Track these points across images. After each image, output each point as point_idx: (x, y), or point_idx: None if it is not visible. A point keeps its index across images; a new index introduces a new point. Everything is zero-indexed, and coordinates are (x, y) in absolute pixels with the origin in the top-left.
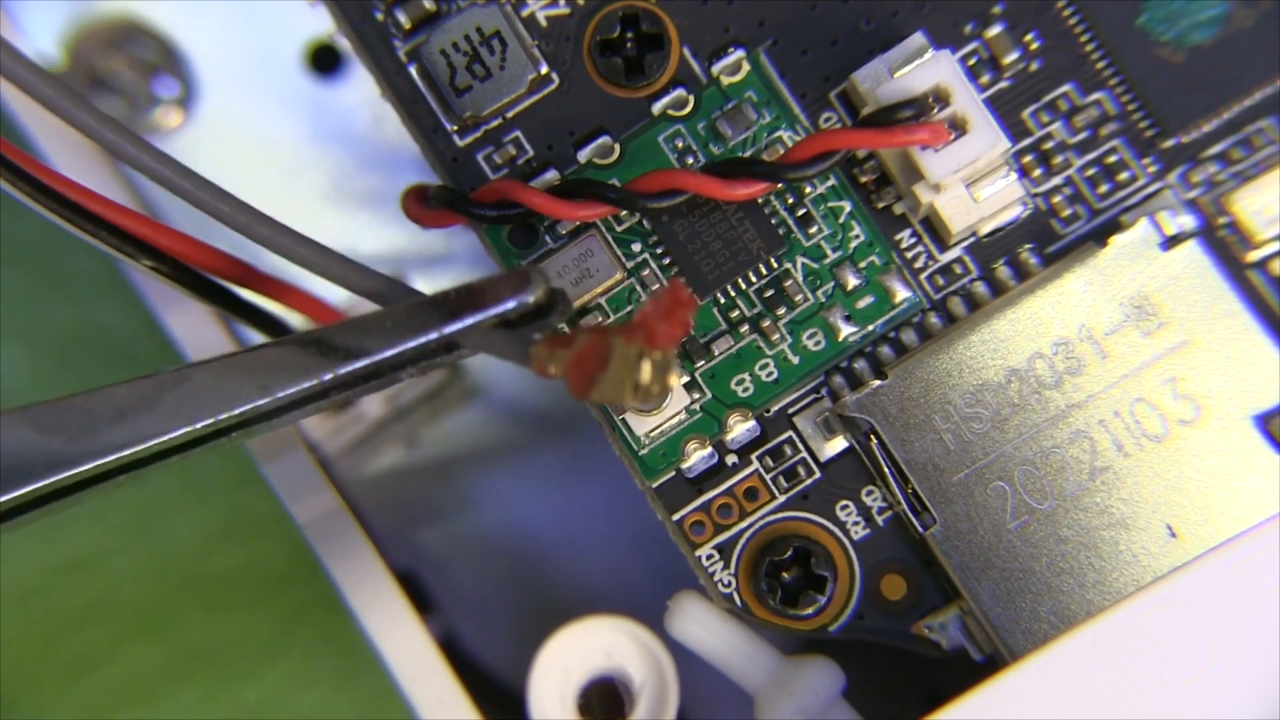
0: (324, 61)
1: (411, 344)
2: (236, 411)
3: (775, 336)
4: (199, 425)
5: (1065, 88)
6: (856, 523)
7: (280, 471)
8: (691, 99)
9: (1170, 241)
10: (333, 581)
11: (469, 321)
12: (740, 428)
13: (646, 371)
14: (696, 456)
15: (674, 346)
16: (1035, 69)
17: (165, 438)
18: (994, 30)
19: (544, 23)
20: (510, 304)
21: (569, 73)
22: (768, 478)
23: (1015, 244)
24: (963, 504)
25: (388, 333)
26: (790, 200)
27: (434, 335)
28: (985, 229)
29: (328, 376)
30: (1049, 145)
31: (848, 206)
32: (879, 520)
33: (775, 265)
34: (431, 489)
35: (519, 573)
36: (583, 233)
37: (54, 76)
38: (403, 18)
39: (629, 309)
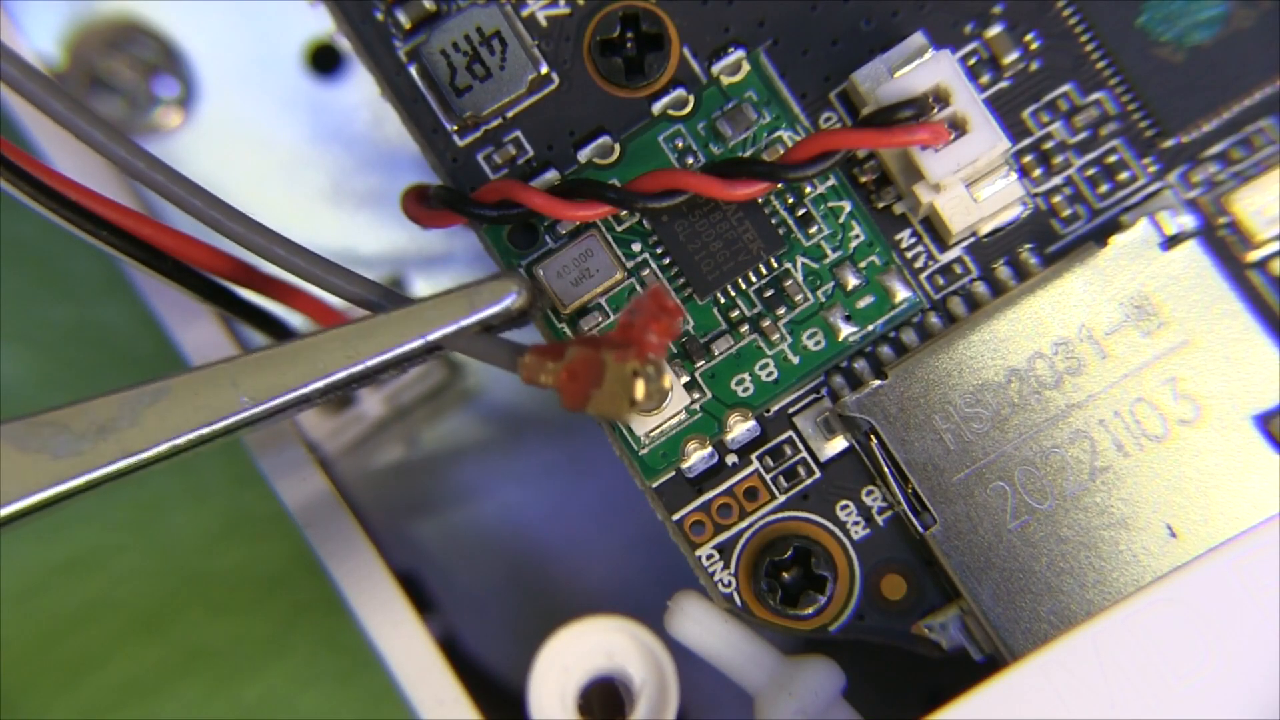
0: (324, 61)
1: (395, 352)
2: (220, 425)
3: (775, 336)
4: (181, 440)
5: (1065, 88)
6: (856, 523)
7: (280, 471)
8: (691, 99)
9: (1170, 241)
10: (333, 581)
11: (452, 328)
12: (740, 428)
13: (640, 390)
14: (696, 456)
15: (663, 354)
16: (1035, 69)
17: (148, 453)
18: (994, 30)
19: (544, 23)
20: (493, 309)
21: (569, 73)
22: (768, 478)
23: (1015, 244)
24: (963, 504)
25: (372, 341)
26: (790, 200)
27: (418, 342)
28: (985, 229)
29: (310, 388)
30: (1049, 145)
31: (848, 206)
32: (879, 520)
33: (775, 265)
34: (431, 489)
35: (519, 573)
36: (583, 233)
37: (49, 80)
38: (403, 18)
39: None
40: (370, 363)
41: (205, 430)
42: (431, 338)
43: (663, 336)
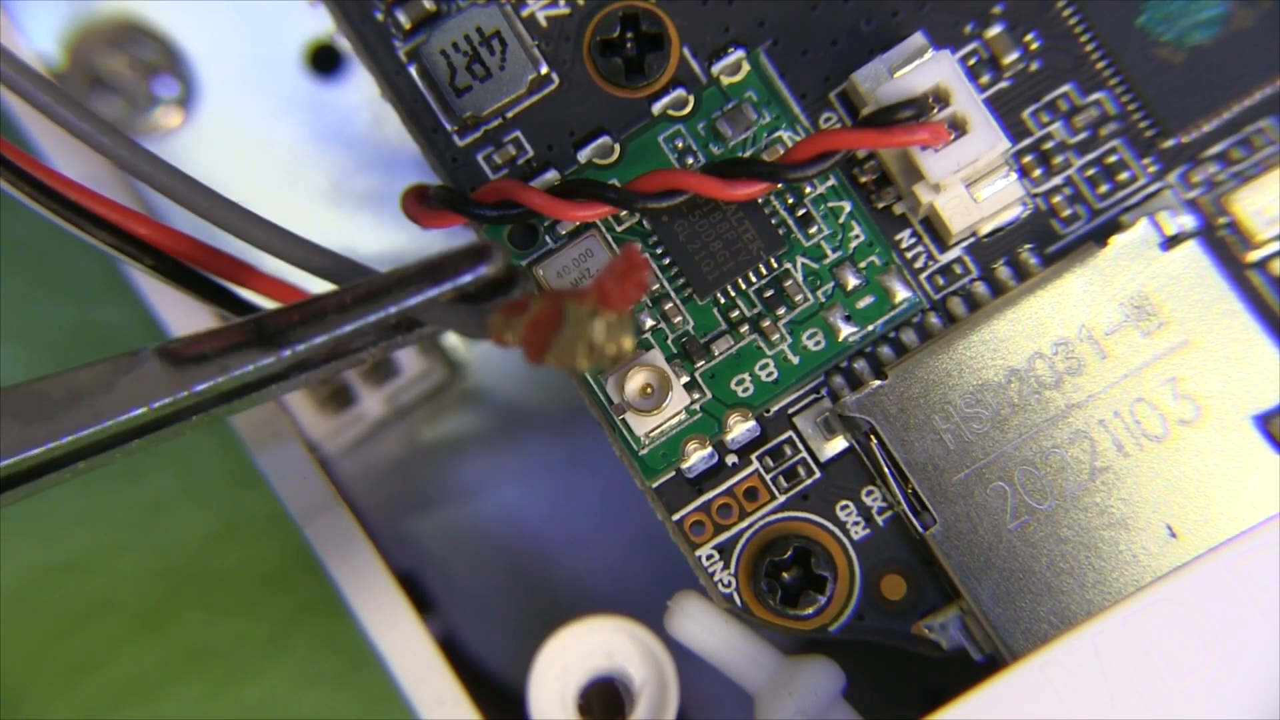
0: (324, 61)
1: (370, 319)
2: (194, 391)
3: (775, 336)
4: (155, 406)
5: (1065, 88)
6: (856, 523)
7: (280, 471)
8: (691, 99)
9: (1170, 241)
10: (333, 581)
11: (427, 295)
12: (740, 428)
13: (600, 330)
14: (696, 456)
15: (628, 308)
16: (1035, 69)
17: (121, 419)
18: (994, 30)
19: (544, 23)
20: (468, 277)
21: (569, 73)
22: (768, 478)
23: (1015, 244)
24: (963, 504)
25: (345, 308)
26: (790, 200)
27: (392, 309)
28: (985, 229)
29: (286, 354)
30: (1049, 145)
31: (848, 206)
32: (879, 520)
33: (775, 265)
34: (431, 489)
35: (519, 573)
36: (583, 233)
37: (45, 77)
38: (403, 18)
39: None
40: (345, 330)
41: (180, 395)
42: (407, 304)
43: (629, 289)
